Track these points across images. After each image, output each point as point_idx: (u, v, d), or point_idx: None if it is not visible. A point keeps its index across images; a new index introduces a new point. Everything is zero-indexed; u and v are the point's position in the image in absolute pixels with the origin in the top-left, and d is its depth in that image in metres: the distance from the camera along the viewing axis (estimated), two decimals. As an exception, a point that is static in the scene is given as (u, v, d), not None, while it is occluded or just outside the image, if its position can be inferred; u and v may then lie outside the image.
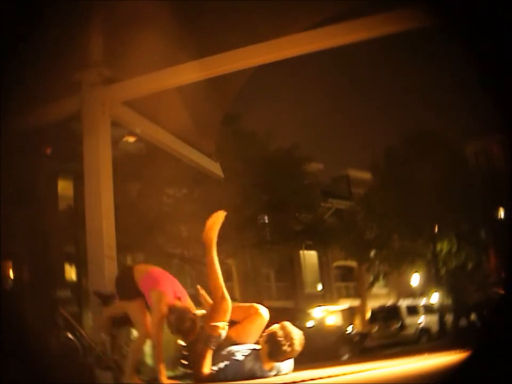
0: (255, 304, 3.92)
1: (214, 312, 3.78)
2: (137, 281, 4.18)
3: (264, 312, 3.87)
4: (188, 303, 4.02)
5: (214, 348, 3.60)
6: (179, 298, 4.05)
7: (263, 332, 3.71)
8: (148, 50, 5.80)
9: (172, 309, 3.90)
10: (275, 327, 3.66)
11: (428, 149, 21.26)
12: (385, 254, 22.36)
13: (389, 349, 16.79)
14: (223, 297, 3.78)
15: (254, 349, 3.66)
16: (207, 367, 3.58)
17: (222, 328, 3.63)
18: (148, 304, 4.15)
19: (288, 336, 3.56)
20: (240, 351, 3.66)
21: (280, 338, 3.54)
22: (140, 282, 4.18)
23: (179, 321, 3.77)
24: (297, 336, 3.60)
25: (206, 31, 6.04)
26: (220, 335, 3.62)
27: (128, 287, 4.20)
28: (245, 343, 3.78)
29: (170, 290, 4.06)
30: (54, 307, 5.51)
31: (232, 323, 3.82)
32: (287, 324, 3.65)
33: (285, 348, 3.53)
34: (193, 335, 3.68)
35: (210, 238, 3.95)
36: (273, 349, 3.56)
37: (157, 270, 4.26)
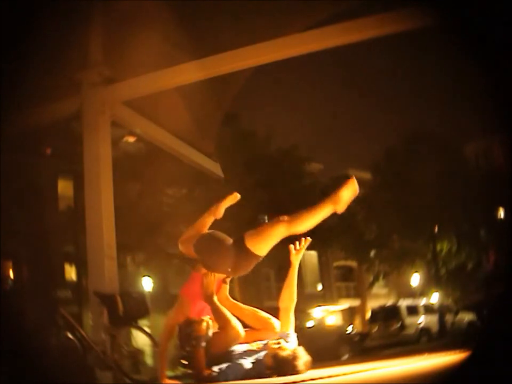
0: (272, 320, 3.88)
1: (221, 334, 3.73)
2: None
3: (278, 328, 3.86)
4: (207, 325, 3.77)
5: (204, 345, 3.60)
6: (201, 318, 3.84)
7: (275, 343, 3.66)
8: (148, 50, 5.80)
9: (188, 323, 3.76)
10: (286, 351, 3.59)
11: (428, 149, 21.28)
12: (385, 254, 22.37)
13: (389, 349, 16.78)
14: (232, 327, 3.71)
15: (258, 358, 3.63)
16: (204, 367, 3.58)
17: (206, 325, 3.63)
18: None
19: (294, 363, 3.52)
20: (243, 354, 3.65)
21: (287, 364, 3.51)
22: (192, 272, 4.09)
23: (185, 340, 3.71)
24: (305, 363, 3.56)
25: (206, 31, 6.04)
26: (206, 334, 3.62)
27: None
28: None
29: (199, 305, 3.91)
30: (54, 307, 5.50)
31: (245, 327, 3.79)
32: (299, 351, 3.59)
33: (289, 371, 3.51)
34: (194, 361, 3.61)
35: (209, 294, 3.80)
36: (278, 366, 3.53)
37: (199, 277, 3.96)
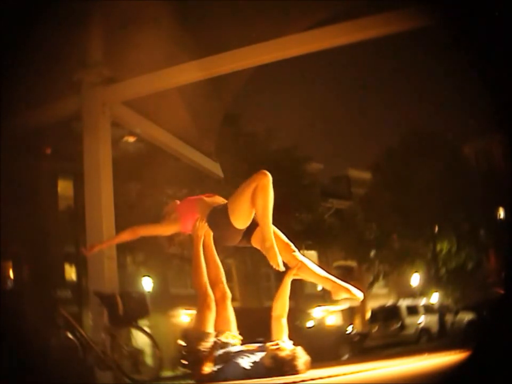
0: (223, 284, 4.01)
1: (197, 308, 3.80)
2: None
3: (229, 293, 4.02)
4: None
5: (206, 349, 3.62)
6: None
7: (273, 345, 3.68)
8: (147, 50, 5.80)
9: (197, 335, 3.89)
10: (285, 351, 3.59)
11: (428, 149, 21.27)
12: (385, 254, 22.36)
13: (389, 349, 16.77)
14: (205, 293, 3.83)
15: (257, 359, 3.63)
16: (205, 368, 3.59)
17: (209, 328, 3.66)
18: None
19: (294, 363, 3.53)
20: (242, 354, 3.66)
21: (286, 364, 3.52)
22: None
23: (190, 348, 3.77)
24: (304, 363, 3.57)
25: (206, 31, 6.04)
26: (208, 336, 3.64)
27: None
28: (227, 330, 3.84)
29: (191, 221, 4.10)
30: (54, 307, 5.51)
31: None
32: (298, 351, 3.60)
33: (289, 371, 3.51)
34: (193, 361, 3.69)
35: (197, 235, 4.03)
36: (278, 367, 3.54)
37: (190, 205, 4.24)
